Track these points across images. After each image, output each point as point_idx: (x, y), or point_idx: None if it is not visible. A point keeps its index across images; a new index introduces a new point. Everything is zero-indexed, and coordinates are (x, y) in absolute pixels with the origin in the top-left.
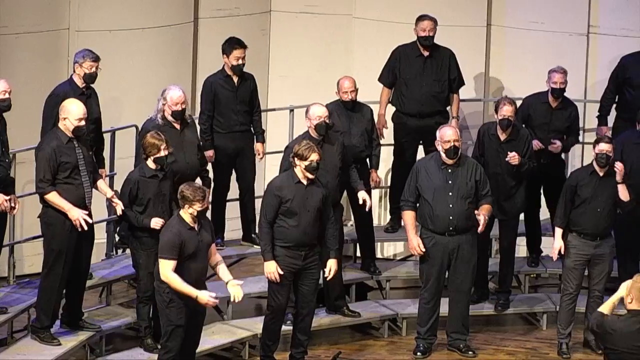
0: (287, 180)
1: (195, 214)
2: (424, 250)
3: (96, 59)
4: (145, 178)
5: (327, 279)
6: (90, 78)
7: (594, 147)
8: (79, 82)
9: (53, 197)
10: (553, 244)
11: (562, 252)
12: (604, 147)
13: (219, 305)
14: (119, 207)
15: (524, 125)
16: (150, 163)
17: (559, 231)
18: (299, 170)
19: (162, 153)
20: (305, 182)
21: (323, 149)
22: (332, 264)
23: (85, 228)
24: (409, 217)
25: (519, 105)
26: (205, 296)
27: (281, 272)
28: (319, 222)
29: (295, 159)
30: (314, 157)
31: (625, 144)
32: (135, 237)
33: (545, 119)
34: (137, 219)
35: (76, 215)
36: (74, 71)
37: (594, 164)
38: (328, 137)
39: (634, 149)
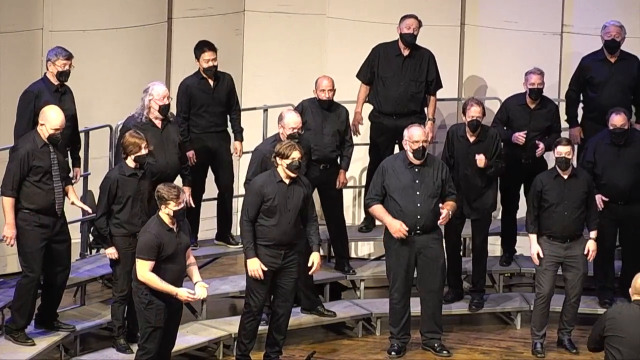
0: (269, 179)
1: (172, 213)
2: (407, 229)
3: (69, 56)
4: (125, 177)
5: (310, 272)
6: (63, 76)
7: (553, 150)
8: (53, 80)
9: (6, 203)
10: (530, 250)
11: (542, 255)
12: (562, 149)
13: (194, 305)
14: (86, 208)
15: (505, 128)
16: (129, 162)
17: (533, 237)
18: (281, 169)
19: (143, 151)
20: (287, 181)
21: None
22: (315, 258)
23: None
24: (379, 209)
25: (498, 108)
26: (184, 293)
27: (265, 269)
28: (299, 222)
29: (277, 158)
30: (296, 155)
31: (598, 144)
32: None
33: (524, 120)
34: (105, 235)
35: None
36: (47, 69)
37: (556, 167)
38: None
39: (606, 149)
